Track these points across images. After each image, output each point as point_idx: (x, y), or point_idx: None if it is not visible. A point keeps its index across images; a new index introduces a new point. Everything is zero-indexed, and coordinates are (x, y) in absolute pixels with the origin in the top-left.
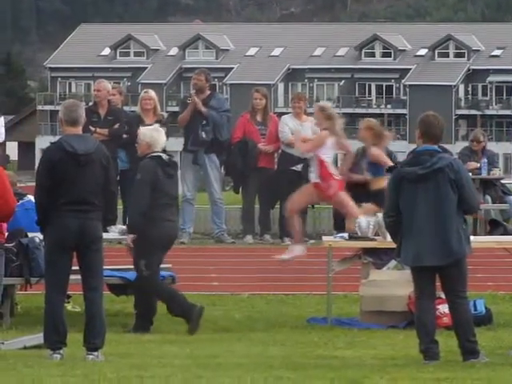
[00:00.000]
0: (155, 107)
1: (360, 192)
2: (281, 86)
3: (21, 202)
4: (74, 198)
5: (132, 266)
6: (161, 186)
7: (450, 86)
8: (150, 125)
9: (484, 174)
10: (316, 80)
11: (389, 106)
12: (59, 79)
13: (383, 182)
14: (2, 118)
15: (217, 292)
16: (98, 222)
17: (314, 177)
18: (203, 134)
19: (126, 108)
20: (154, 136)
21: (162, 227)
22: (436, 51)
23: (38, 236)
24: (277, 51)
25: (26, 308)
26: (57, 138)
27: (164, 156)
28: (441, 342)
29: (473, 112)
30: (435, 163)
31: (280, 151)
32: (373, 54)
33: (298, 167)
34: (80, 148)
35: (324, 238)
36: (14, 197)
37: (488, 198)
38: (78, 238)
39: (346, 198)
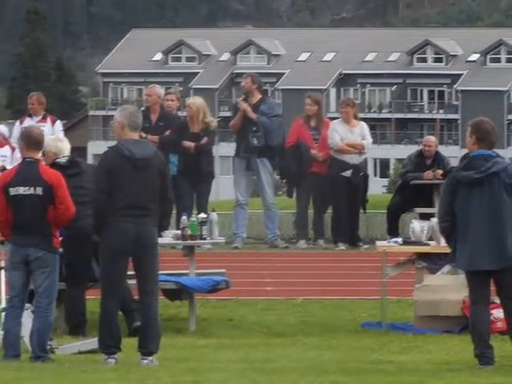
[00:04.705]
0: (198, 115)
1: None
2: (333, 91)
3: None
4: (130, 202)
5: (187, 271)
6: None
7: (502, 91)
8: (196, 133)
9: None
10: (368, 85)
11: (441, 111)
12: (111, 84)
13: None
14: (59, 121)
15: (271, 297)
16: (154, 227)
17: None
18: (254, 141)
19: (179, 113)
20: (58, 146)
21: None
22: (488, 56)
23: None
24: (328, 56)
25: None
26: (109, 143)
27: (61, 161)
28: (495, 346)
29: None
30: (490, 167)
31: (330, 157)
32: (424, 60)
33: (348, 173)
34: (138, 153)
35: (378, 242)
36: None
37: None
38: (135, 244)
39: None
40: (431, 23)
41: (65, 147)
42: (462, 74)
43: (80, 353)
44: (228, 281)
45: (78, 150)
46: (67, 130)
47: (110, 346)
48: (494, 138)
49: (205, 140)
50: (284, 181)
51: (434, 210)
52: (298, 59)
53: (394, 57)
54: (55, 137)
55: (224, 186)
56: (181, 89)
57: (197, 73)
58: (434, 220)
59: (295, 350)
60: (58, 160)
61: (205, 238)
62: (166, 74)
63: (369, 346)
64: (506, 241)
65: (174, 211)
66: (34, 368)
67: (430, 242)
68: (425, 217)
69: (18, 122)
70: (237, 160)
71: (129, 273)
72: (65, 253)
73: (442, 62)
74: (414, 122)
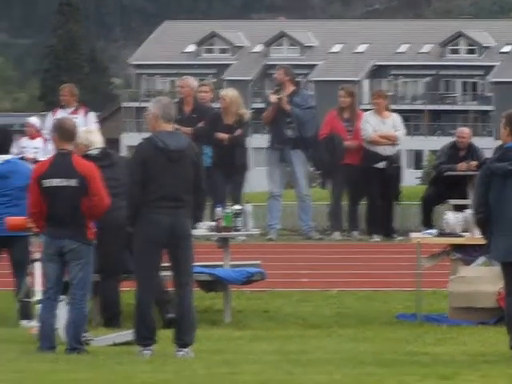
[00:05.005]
0: (232, 107)
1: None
2: (366, 83)
3: None
4: (164, 194)
5: (221, 263)
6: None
7: None
8: (229, 125)
9: None
10: (401, 77)
11: (474, 103)
12: (144, 76)
13: None
14: (92, 113)
15: (306, 288)
16: (188, 218)
17: None
18: (288, 132)
19: (213, 105)
20: (88, 138)
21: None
22: None
23: None
24: (361, 48)
25: None
26: (143, 134)
27: (93, 153)
28: None
29: None
30: None
31: (363, 148)
32: (457, 51)
33: (381, 165)
34: (172, 144)
35: (412, 234)
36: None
37: None
38: (169, 235)
39: None
40: (464, 14)
41: (96, 139)
42: (494, 66)
43: (115, 344)
44: (263, 272)
45: (111, 142)
46: (100, 122)
47: (145, 337)
48: None
49: (238, 132)
50: (318, 172)
51: (468, 202)
52: (331, 51)
53: (426, 48)
54: (86, 129)
55: (257, 178)
56: (214, 80)
57: (229, 64)
58: (468, 211)
59: (330, 342)
60: (89, 152)
61: (239, 230)
62: (198, 65)
63: (404, 338)
64: None
65: (208, 203)
66: (70, 360)
67: (464, 234)
68: (459, 208)
69: (50, 114)
70: (270, 152)
71: (163, 264)
72: (99, 244)
73: (474, 53)
74: (447, 113)
